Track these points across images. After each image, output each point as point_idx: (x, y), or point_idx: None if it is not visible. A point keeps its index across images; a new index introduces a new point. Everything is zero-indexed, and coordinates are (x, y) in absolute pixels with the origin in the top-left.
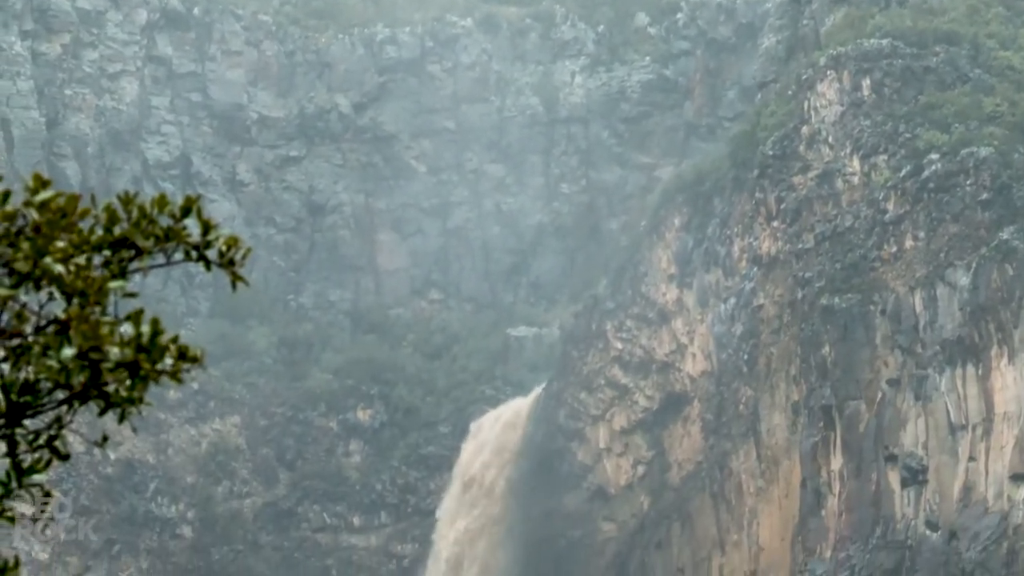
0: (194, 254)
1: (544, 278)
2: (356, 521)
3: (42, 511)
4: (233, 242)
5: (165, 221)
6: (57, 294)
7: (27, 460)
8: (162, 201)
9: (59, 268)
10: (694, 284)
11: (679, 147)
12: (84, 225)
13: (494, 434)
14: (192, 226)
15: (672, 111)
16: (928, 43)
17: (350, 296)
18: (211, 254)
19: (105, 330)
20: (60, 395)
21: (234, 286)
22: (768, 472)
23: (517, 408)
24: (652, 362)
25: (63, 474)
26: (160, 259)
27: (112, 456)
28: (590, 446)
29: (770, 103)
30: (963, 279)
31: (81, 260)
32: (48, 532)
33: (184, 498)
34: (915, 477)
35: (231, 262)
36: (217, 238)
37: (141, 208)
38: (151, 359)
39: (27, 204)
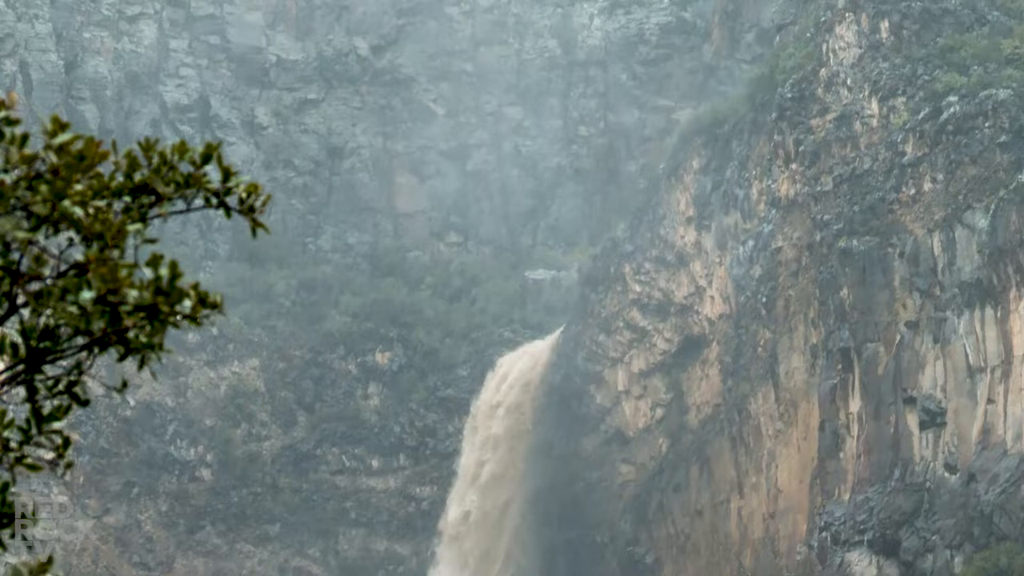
0: (214, 201)
1: (562, 221)
2: (375, 464)
3: (61, 457)
4: (253, 189)
5: (185, 168)
6: (76, 237)
7: (47, 407)
8: (182, 148)
9: (77, 211)
10: (712, 227)
11: (697, 89)
12: (104, 170)
13: (512, 377)
14: (212, 173)
15: (690, 53)
16: None
17: (368, 239)
18: (231, 201)
19: (124, 273)
20: (80, 341)
21: (254, 233)
22: (787, 414)
23: (535, 351)
24: (670, 304)
25: (82, 417)
26: (180, 205)
27: (131, 399)
28: (608, 389)
29: (788, 45)
30: (981, 221)
31: (100, 204)
32: (68, 476)
33: (203, 441)
34: (933, 420)
35: (251, 209)
36: (237, 185)
37: (161, 155)
38: (170, 302)
39: (46, 147)
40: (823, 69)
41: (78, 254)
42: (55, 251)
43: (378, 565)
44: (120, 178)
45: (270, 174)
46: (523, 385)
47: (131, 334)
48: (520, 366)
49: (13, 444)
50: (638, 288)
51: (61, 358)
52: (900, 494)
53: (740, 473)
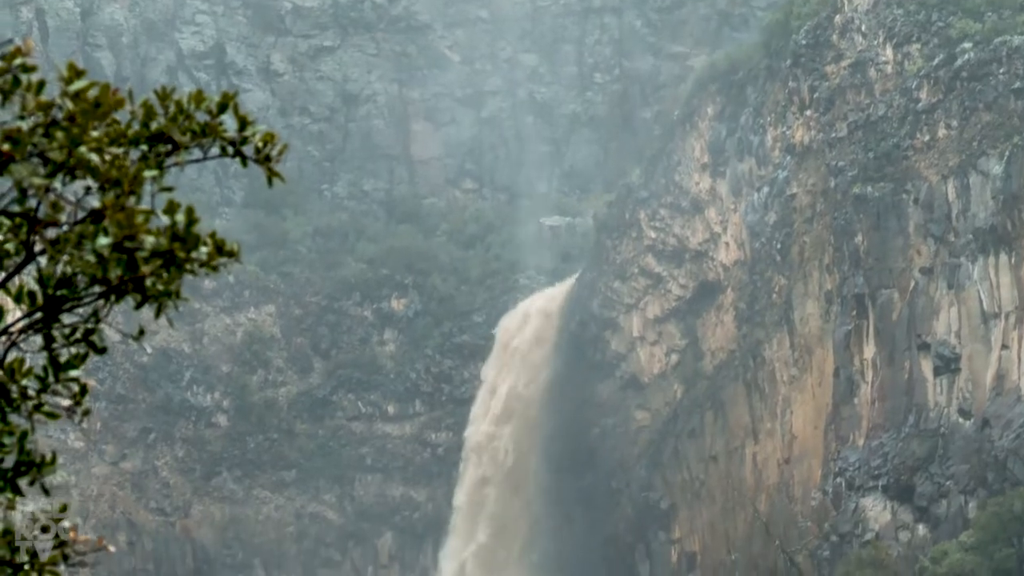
0: (230, 150)
1: (577, 167)
2: (390, 410)
3: (78, 404)
4: (269, 138)
5: (202, 116)
6: (92, 184)
7: (64, 355)
8: (199, 97)
9: (94, 158)
10: (727, 173)
11: (712, 36)
12: (120, 118)
13: (528, 323)
14: (229, 121)
15: (705, 0)
16: None
17: (384, 186)
18: (248, 150)
19: (140, 220)
20: (97, 289)
21: (270, 182)
22: (801, 360)
23: (550, 297)
24: (685, 251)
25: (99, 364)
26: (197, 154)
27: (148, 346)
28: (624, 335)
29: None
30: (996, 168)
31: (117, 150)
32: (85, 423)
33: (219, 387)
34: (948, 365)
35: (267, 158)
36: (254, 134)
37: (178, 103)
38: (186, 249)
39: (62, 94)
40: (838, 16)
41: (95, 201)
42: (72, 198)
43: (394, 511)
44: (137, 126)
45: (286, 121)
46: (538, 331)
47: (148, 281)
48: (535, 312)
49: (31, 392)
50: (653, 234)
51: (78, 306)
52: (914, 440)
53: (755, 419)
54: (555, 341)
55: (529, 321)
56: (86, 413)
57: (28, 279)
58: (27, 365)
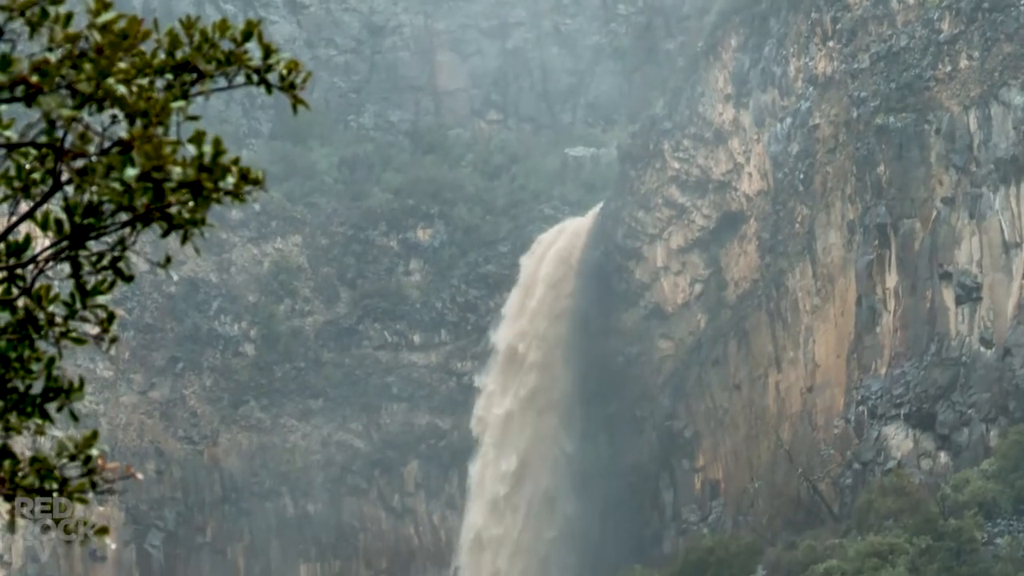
0: (255, 78)
1: (601, 98)
2: (416, 339)
3: (106, 332)
4: (294, 66)
5: (227, 45)
6: (120, 115)
7: (91, 282)
8: (223, 25)
9: (121, 89)
10: (750, 104)
11: None
12: (146, 48)
13: (552, 253)
14: (253, 50)
15: None
16: None
17: (410, 116)
18: (272, 78)
19: (167, 150)
20: (123, 217)
21: (295, 109)
22: (824, 290)
23: (575, 227)
24: (709, 181)
25: (127, 293)
26: (222, 83)
27: (175, 275)
28: (647, 264)
29: None
30: (1017, 98)
31: (143, 81)
32: (113, 351)
33: (246, 316)
34: (969, 294)
35: (292, 86)
36: (278, 62)
37: (203, 32)
38: (213, 179)
39: (89, 26)
40: None
41: (122, 131)
42: (99, 128)
43: (419, 439)
44: (162, 56)
45: (312, 52)
46: (563, 261)
47: (174, 210)
48: (560, 242)
49: (58, 319)
50: (677, 165)
51: (105, 234)
52: (936, 368)
53: (778, 348)
54: (579, 271)
55: (553, 251)
56: (113, 340)
57: (55, 208)
58: (54, 292)
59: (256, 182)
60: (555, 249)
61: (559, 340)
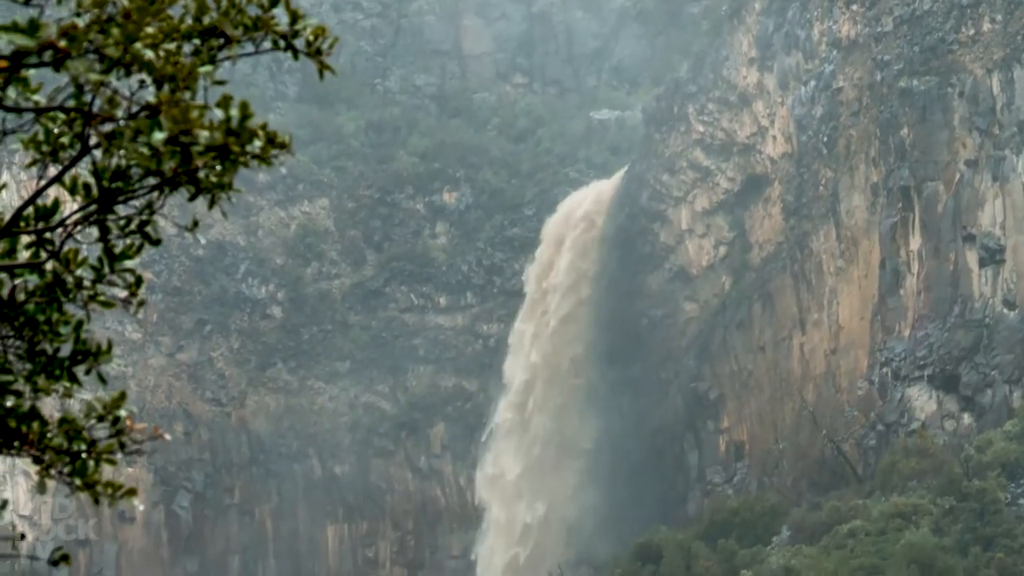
0: (282, 43)
1: (626, 62)
2: (442, 301)
3: (134, 295)
4: (320, 31)
5: (253, 10)
6: (147, 80)
7: (119, 245)
8: None
9: (149, 54)
10: (774, 67)
11: None
12: (174, 13)
13: (578, 216)
14: (280, 15)
15: None
16: None
17: (436, 80)
18: (299, 43)
19: (195, 114)
20: (151, 181)
21: (321, 75)
22: (848, 252)
23: (600, 190)
24: (733, 144)
25: (155, 256)
26: (249, 48)
27: (202, 239)
28: (672, 227)
29: None
30: None
31: (171, 46)
32: (141, 314)
33: (274, 279)
34: (992, 257)
35: (318, 51)
36: (305, 27)
37: None
38: (240, 143)
39: None
40: None
41: (149, 96)
42: (127, 93)
43: (446, 401)
44: (190, 21)
45: (338, 16)
46: (587, 225)
47: (201, 174)
48: (585, 206)
49: (87, 282)
50: (701, 128)
51: (133, 198)
52: (960, 330)
53: (802, 310)
54: (604, 234)
55: (578, 215)
56: (141, 304)
57: (83, 172)
58: (83, 255)
59: (283, 146)
60: (580, 212)
61: (584, 303)
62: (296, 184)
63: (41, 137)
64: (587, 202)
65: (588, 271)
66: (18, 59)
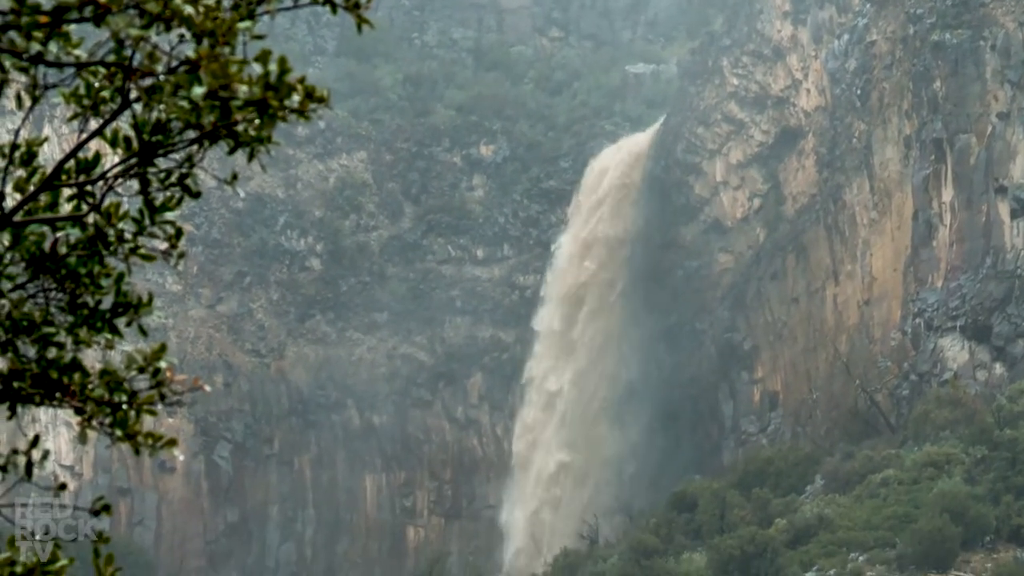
0: None
1: (661, 16)
2: (479, 253)
3: (174, 247)
4: None
5: None
6: (187, 34)
7: (159, 198)
8: None
9: (188, 9)
10: (808, 21)
11: None
12: None
13: (613, 169)
14: None
15: None
16: None
17: (472, 34)
18: None
19: (234, 69)
20: (191, 134)
21: (359, 29)
22: (881, 204)
23: (636, 143)
24: (767, 97)
25: (195, 209)
26: (287, 2)
27: (242, 192)
28: (707, 179)
29: None
30: None
31: (210, 1)
32: (181, 266)
33: (312, 231)
34: None
35: (356, 5)
36: None
37: None
38: (279, 97)
39: None
40: None
41: (189, 51)
42: (167, 48)
43: (483, 351)
44: None
45: None
46: (623, 177)
47: (240, 127)
48: (620, 158)
49: (127, 235)
50: (735, 81)
51: (173, 151)
52: (991, 281)
53: (835, 261)
54: (640, 186)
55: (613, 167)
56: (181, 256)
57: (124, 125)
58: (124, 208)
59: (321, 100)
60: (615, 165)
61: (619, 255)
62: (334, 137)
63: (82, 91)
64: (622, 155)
65: (623, 224)
66: (59, 14)
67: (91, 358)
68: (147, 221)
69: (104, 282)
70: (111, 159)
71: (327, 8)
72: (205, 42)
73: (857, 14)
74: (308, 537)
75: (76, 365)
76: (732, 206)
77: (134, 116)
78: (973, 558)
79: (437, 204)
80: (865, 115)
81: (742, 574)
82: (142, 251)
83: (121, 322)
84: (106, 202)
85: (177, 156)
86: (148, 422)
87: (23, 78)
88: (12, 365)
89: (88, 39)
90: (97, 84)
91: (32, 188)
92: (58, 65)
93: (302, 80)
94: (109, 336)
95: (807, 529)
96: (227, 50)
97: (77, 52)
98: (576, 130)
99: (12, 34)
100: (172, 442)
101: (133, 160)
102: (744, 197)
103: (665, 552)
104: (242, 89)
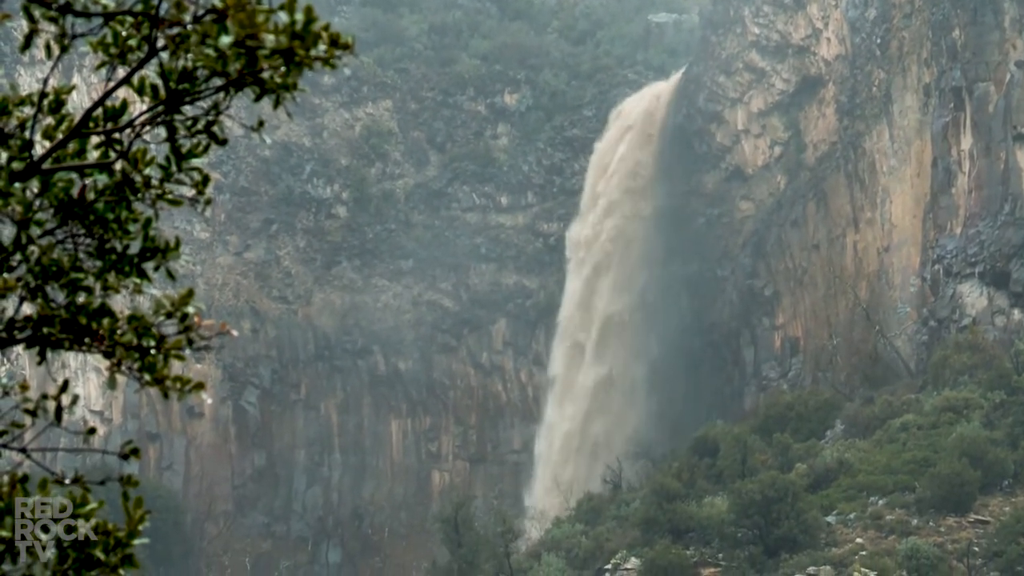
0: None
1: None
2: (504, 201)
3: (201, 194)
4: None
5: None
6: None
7: (186, 145)
8: None
9: None
10: None
11: None
12: None
13: (636, 116)
14: None
15: None
16: None
17: None
18: None
19: (260, 18)
20: (217, 82)
21: None
22: (900, 152)
23: (658, 91)
24: (788, 46)
25: (223, 157)
26: None
27: (269, 139)
28: (728, 128)
29: None
30: None
31: None
32: (208, 213)
33: (339, 179)
34: None
35: None
36: None
37: None
38: (305, 46)
39: None
40: None
41: (216, 0)
42: None
43: (507, 298)
44: None
45: None
46: (645, 125)
47: (266, 75)
48: (643, 107)
49: (155, 181)
50: (757, 30)
51: (199, 99)
52: (1010, 228)
53: (855, 208)
54: (662, 134)
55: (636, 115)
56: (208, 202)
57: (151, 74)
58: (151, 155)
59: (346, 47)
60: (638, 113)
61: (641, 202)
62: (360, 86)
63: (110, 40)
64: (645, 103)
65: (645, 171)
66: None
67: (120, 303)
68: (174, 167)
69: (132, 227)
70: (138, 107)
71: None
72: None
73: None
74: (334, 481)
75: (105, 310)
76: (753, 154)
77: (161, 64)
78: (991, 502)
79: (462, 152)
80: (885, 64)
81: (763, 518)
82: (169, 197)
83: (149, 267)
84: (133, 149)
85: (204, 104)
86: (176, 367)
87: (52, 27)
88: (41, 310)
89: None
90: (125, 33)
91: (61, 136)
92: (86, 15)
93: (327, 28)
94: (137, 281)
95: (827, 474)
96: None
97: (105, 1)
98: (599, 79)
99: None
100: (200, 385)
101: (160, 108)
102: (765, 145)
103: (687, 496)
104: (269, 38)
